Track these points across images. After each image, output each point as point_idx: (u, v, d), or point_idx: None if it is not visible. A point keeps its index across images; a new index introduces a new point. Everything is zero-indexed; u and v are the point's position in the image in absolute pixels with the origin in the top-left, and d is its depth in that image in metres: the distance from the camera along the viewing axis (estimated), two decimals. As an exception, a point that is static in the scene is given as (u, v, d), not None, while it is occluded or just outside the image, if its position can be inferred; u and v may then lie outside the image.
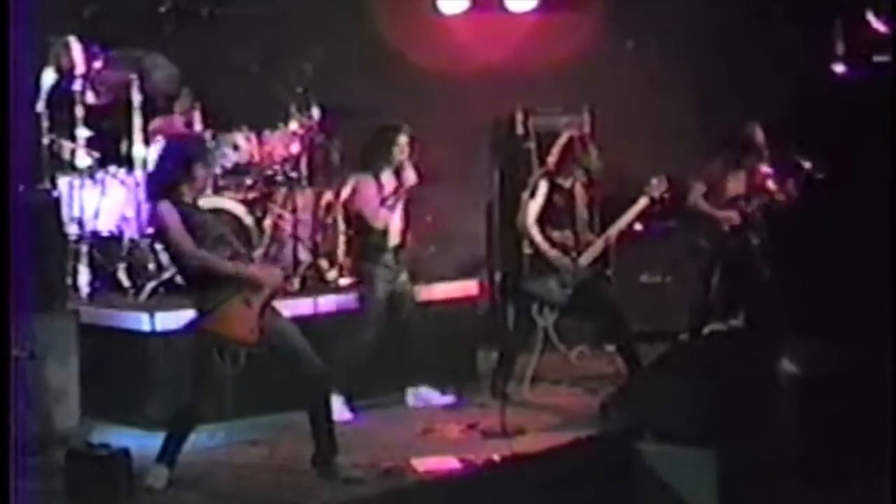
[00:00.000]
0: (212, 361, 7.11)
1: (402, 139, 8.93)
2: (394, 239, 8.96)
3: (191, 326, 7.30)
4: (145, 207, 7.44)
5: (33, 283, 7.48)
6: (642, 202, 9.14)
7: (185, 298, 7.55)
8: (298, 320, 7.76)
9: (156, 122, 10.13)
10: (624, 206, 9.25)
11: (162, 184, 7.32)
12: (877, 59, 10.89)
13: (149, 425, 8.27)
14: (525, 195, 9.21)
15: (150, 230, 7.27)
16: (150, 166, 8.24)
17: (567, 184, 9.17)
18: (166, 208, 7.13)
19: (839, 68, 11.15)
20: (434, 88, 10.97)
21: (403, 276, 9.04)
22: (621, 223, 9.19)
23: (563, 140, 9.28)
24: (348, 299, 9.33)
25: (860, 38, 10.95)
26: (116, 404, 8.40)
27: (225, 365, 7.12)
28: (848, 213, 10.57)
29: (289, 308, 8.17)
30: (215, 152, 9.73)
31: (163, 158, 7.72)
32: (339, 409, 8.66)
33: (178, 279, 8.91)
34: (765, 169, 9.62)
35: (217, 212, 8.52)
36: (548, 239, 9.06)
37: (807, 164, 9.38)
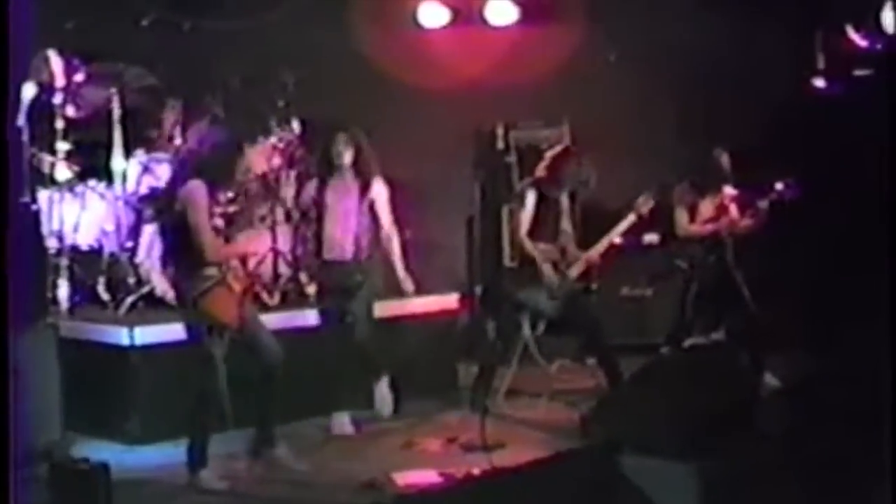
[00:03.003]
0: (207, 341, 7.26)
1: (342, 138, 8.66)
2: (349, 250, 8.65)
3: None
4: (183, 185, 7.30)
5: (13, 297, 7.43)
6: (630, 218, 9.12)
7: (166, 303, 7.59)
8: (278, 334, 7.76)
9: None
10: (603, 218, 9.25)
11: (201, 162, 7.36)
12: (857, 73, 10.93)
13: (127, 439, 8.26)
14: (509, 206, 9.17)
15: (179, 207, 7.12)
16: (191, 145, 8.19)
17: (554, 196, 9.13)
18: (197, 185, 7.20)
19: (820, 82, 11.18)
20: (415, 102, 10.97)
21: (362, 291, 8.67)
22: (608, 238, 9.17)
23: (557, 151, 9.24)
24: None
25: (841, 52, 10.97)
26: (95, 418, 8.37)
27: (213, 342, 7.25)
28: (830, 226, 10.59)
29: (270, 322, 8.16)
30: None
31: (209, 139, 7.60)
32: (344, 423, 8.62)
33: (156, 290, 8.96)
34: (734, 192, 9.62)
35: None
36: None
37: (779, 185, 9.38)
